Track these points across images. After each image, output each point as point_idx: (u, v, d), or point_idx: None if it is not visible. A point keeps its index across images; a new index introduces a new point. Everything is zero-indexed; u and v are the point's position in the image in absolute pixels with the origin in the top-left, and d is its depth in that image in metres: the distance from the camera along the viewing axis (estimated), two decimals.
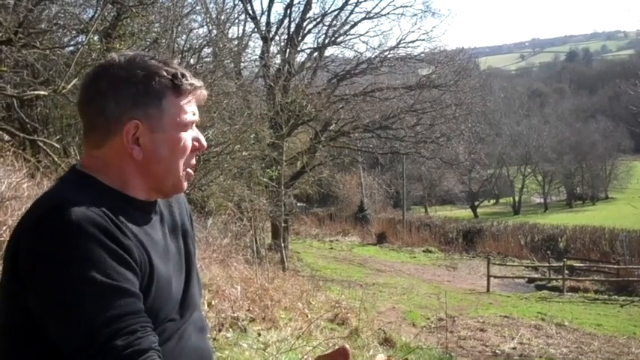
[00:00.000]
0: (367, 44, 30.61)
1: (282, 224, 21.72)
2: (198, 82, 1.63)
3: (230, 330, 6.57)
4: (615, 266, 25.25)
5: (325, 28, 27.05)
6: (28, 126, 10.34)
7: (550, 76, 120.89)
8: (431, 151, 27.85)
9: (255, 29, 26.24)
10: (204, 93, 1.67)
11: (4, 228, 5.06)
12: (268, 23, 26.47)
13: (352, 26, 27.31)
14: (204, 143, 1.68)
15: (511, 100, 69.18)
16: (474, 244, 34.42)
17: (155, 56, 1.62)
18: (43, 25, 9.72)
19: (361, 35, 27.59)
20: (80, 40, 10.89)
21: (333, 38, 27.03)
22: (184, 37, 14.30)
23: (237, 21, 24.13)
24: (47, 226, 1.44)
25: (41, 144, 9.41)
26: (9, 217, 5.35)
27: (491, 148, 54.13)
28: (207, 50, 15.93)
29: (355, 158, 32.47)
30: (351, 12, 26.93)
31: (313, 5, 27.03)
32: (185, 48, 13.96)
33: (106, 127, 1.57)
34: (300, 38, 26.31)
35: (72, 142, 10.68)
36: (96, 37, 10.71)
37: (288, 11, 26.45)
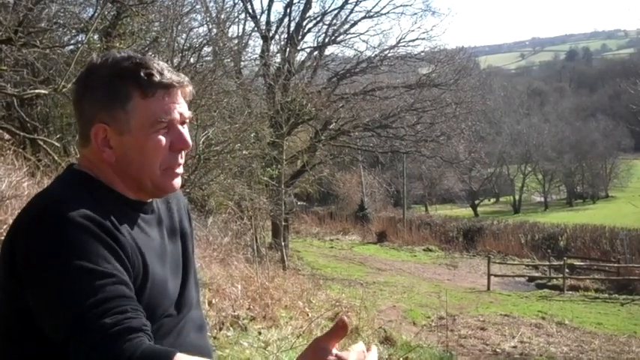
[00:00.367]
0: (367, 43, 30.61)
1: (283, 223, 21.72)
2: (176, 79, 1.59)
3: (230, 329, 6.57)
4: (616, 265, 25.26)
5: (325, 27, 27.07)
6: (28, 125, 10.35)
7: (550, 75, 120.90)
8: (431, 149, 27.84)
9: (255, 28, 26.27)
10: (187, 89, 1.63)
11: (4, 227, 5.06)
12: (268, 22, 26.49)
13: (352, 25, 27.35)
14: (189, 142, 1.62)
15: (511, 99, 69.19)
16: (475, 243, 34.42)
17: (132, 56, 1.59)
18: (43, 24, 9.72)
19: (361, 34, 27.71)
20: (80, 39, 10.91)
21: (333, 37, 27.03)
22: (184, 36, 14.31)
23: (237, 20, 24.18)
24: (43, 223, 1.45)
25: (41, 143, 9.41)
26: (9, 215, 5.36)
27: (492, 147, 54.12)
28: (207, 49, 15.93)
29: (355, 157, 32.43)
30: (351, 11, 26.97)
31: (313, 4, 27.05)
32: (185, 47, 13.94)
33: (85, 129, 1.59)
34: (300, 37, 26.31)
35: (72, 141, 10.67)
36: (96, 36, 10.73)
37: (288, 10, 26.47)
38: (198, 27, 17.02)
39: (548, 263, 26.86)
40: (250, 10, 26.03)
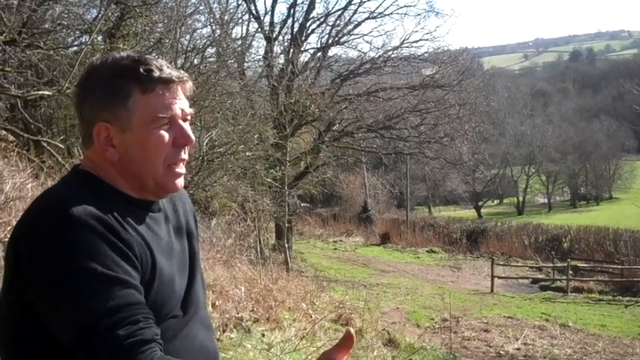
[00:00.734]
0: (371, 44, 30.66)
1: (286, 225, 21.71)
2: (175, 74, 1.60)
3: (234, 330, 6.56)
4: (619, 266, 25.20)
5: (329, 28, 27.06)
6: (32, 126, 10.35)
7: (554, 76, 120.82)
8: (435, 151, 27.80)
9: (259, 29, 26.29)
10: (187, 84, 1.64)
11: (9, 228, 5.06)
12: (272, 23, 26.48)
13: (356, 26, 27.32)
14: (191, 137, 1.63)
15: (515, 99, 69.20)
16: (478, 245, 34.40)
17: (130, 54, 1.61)
18: (46, 26, 9.73)
19: (365, 35, 27.58)
20: (84, 40, 10.91)
21: (336, 38, 27.01)
22: (188, 37, 14.34)
23: (240, 21, 24.19)
24: (47, 222, 1.45)
25: (45, 144, 9.42)
26: (13, 217, 5.36)
27: (495, 148, 54.15)
28: (210, 50, 15.95)
29: (359, 158, 32.43)
30: (355, 12, 26.95)
31: (317, 5, 27.08)
32: (189, 48, 13.97)
33: (87, 130, 1.60)
34: (303, 38, 26.29)
35: (76, 143, 10.67)
36: (100, 38, 10.72)
37: (292, 11, 26.48)
38: (202, 28, 17.05)
39: (551, 265, 26.84)
40: (254, 11, 26.06)
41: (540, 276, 26.97)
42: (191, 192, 11.92)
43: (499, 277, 24.13)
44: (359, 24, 27.28)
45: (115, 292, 1.39)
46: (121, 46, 10.20)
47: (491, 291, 22.71)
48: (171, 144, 1.60)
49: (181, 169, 1.65)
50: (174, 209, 1.77)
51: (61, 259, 1.40)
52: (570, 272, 23.85)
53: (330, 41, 26.95)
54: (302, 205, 35.97)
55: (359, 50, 27.77)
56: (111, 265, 1.41)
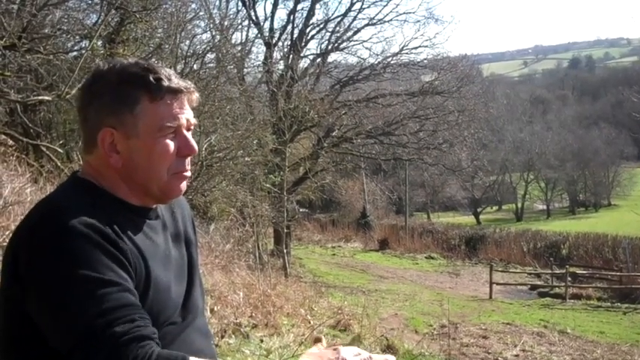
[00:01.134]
0: (370, 50, 30.49)
1: (285, 230, 21.69)
2: (183, 85, 1.61)
3: (232, 336, 6.55)
4: (618, 273, 25.17)
5: (328, 34, 27.13)
6: (32, 131, 10.36)
7: (553, 83, 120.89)
8: (433, 157, 27.78)
9: (259, 35, 26.32)
10: (194, 95, 1.64)
11: (7, 233, 5.06)
12: (271, 29, 26.53)
13: (355, 32, 27.36)
14: (195, 147, 1.65)
15: (514, 106, 69.25)
16: (477, 251, 34.38)
17: (139, 62, 1.62)
18: (46, 30, 9.75)
19: (364, 41, 27.61)
20: (84, 45, 10.94)
21: (336, 44, 27.07)
22: (188, 42, 14.33)
23: (240, 27, 24.24)
24: (44, 230, 1.45)
25: (44, 149, 9.43)
26: (12, 222, 5.36)
27: (494, 155, 54.15)
28: (210, 56, 15.95)
29: (358, 164, 32.42)
30: (354, 18, 27.01)
31: (316, 11, 27.06)
32: (188, 53, 13.98)
33: (90, 135, 1.60)
34: (303, 44, 26.34)
35: (75, 147, 10.68)
36: (99, 43, 10.74)
37: (292, 17, 26.54)
38: (202, 33, 17.06)
39: (550, 271, 26.82)
40: (254, 17, 26.13)
41: (539, 282, 26.97)
42: (190, 197, 11.93)
43: (497, 284, 24.12)
44: (358, 30, 27.35)
45: (110, 294, 1.40)
46: (121, 51, 10.23)
47: (490, 297, 22.69)
48: (176, 153, 1.61)
49: (187, 172, 1.66)
50: (172, 216, 1.77)
51: (59, 268, 1.41)
52: (569, 279, 23.82)
53: (329, 47, 27.01)
54: (301, 210, 35.95)
55: (358, 56, 27.85)
56: (105, 271, 1.42)
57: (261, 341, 6.79)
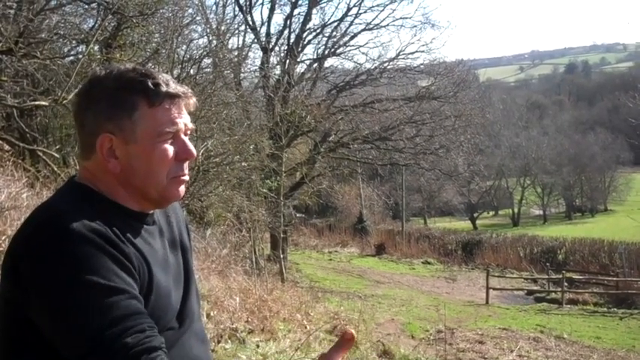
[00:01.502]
0: (367, 55, 30.61)
1: (281, 235, 21.69)
2: (181, 90, 1.62)
3: (229, 341, 6.55)
4: (614, 278, 25.20)
5: (325, 39, 27.14)
6: (28, 136, 10.36)
7: (549, 88, 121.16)
8: (430, 162, 27.79)
9: (255, 40, 26.36)
10: (191, 100, 1.65)
11: (4, 238, 5.05)
12: (268, 34, 26.59)
13: (352, 37, 27.38)
14: (193, 152, 1.65)
15: (510, 111, 69.38)
16: (473, 256, 34.38)
17: (136, 68, 1.62)
18: (43, 35, 9.74)
19: (361, 46, 27.59)
20: (80, 50, 10.93)
21: (332, 49, 27.08)
22: (184, 47, 14.33)
23: (237, 32, 24.24)
24: (46, 235, 1.45)
25: (41, 154, 9.42)
26: (8, 226, 5.35)
27: (491, 160, 54.22)
28: (207, 61, 15.95)
29: (354, 169, 32.42)
30: (351, 23, 27.02)
31: (313, 16, 27.12)
32: (185, 58, 13.97)
33: (88, 141, 1.60)
34: (299, 49, 26.36)
35: (71, 152, 10.67)
36: (96, 47, 10.73)
37: (288, 22, 26.56)
38: (199, 38, 17.05)
39: (546, 277, 26.83)
40: (250, 22, 26.16)
41: (535, 288, 26.96)
42: (186, 202, 11.92)
43: (494, 289, 24.13)
44: (355, 35, 27.37)
45: (119, 302, 1.40)
46: (118, 56, 10.23)
47: (486, 302, 22.69)
48: (174, 158, 1.62)
49: (185, 176, 1.66)
50: (167, 222, 1.77)
51: (63, 274, 1.40)
52: (565, 284, 23.85)
53: (326, 52, 27.03)
54: (297, 215, 35.91)
55: (355, 61, 27.82)
56: (112, 277, 1.42)
57: (258, 346, 6.78)
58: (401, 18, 27.68)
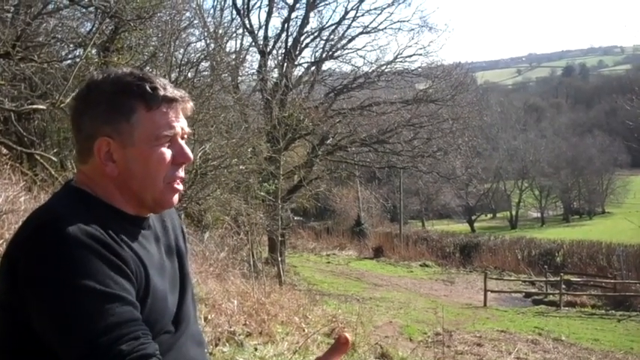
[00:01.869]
0: (364, 58, 30.61)
1: (279, 238, 21.67)
2: (178, 94, 1.62)
3: (226, 344, 6.54)
4: (612, 281, 25.22)
5: (323, 42, 27.15)
6: (26, 139, 10.35)
7: (547, 91, 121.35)
8: (428, 165, 27.76)
9: (253, 43, 26.36)
10: (188, 104, 1.66)
11: (1, 241, 5.05)
12: (266, 37, 26.59)
13: (349, 40, 27.38)
14: (190, 156, 1.66)
15: (508, 114, 69.46)
16: (471, 259, 34.41)
17: (134, 72, 1.62)
18: (41, 39, 9.75)
19: (358, 49, 27.58)
20: (78, 53, 10.93)
21: (330, 52, 27.09)
22: (182, 50, 14.32)
23: (234, 35, 24.28)
24: (43, 240, 1.45)
25: (38, 157, 9.42)
26: (5, 230, 5.35)
27: (488, 163, 54.27)
28: (204, 64, 15.95)
29: (352, 172, 32.43)
30: (349, 26, 27.04)
31: (310, 20, 27.12)
32: (183, 62, 13.98)
33: (85, 145, 1.60)
34: (297, 52, 26.38)
35: (69, 156, 10.67)
36: (94, 51, 10.73)
37: (286, 25, 26.57)
38: (196, 42, 17.03)
39: (544, 279, 26.85)
40: (248, 26, 26.17)
41: (533, 290, 26.97)
42: (184, 205, 11.92)
43: (492, 291, 24.13)
44: (353, 38, 27.37)
45: (114, 309, 1.40)
46: (116, 59, 10.23)
47: (484, 305, 22.69)
48: (171, 162, 1.62)
49: (179, 185, 1.66)
50: (163, 227, 1.78)
51: (60, 279, 1.40)
52: (563, 286, 23.86)
53: (323, 55, 27.04)
54: (295, 218, 35.93)
55: (353, 65, 27.83)
56: (108, 283, 1.42)
57: (255, 349, 6.77)
58: (398, 21, 27.67)
